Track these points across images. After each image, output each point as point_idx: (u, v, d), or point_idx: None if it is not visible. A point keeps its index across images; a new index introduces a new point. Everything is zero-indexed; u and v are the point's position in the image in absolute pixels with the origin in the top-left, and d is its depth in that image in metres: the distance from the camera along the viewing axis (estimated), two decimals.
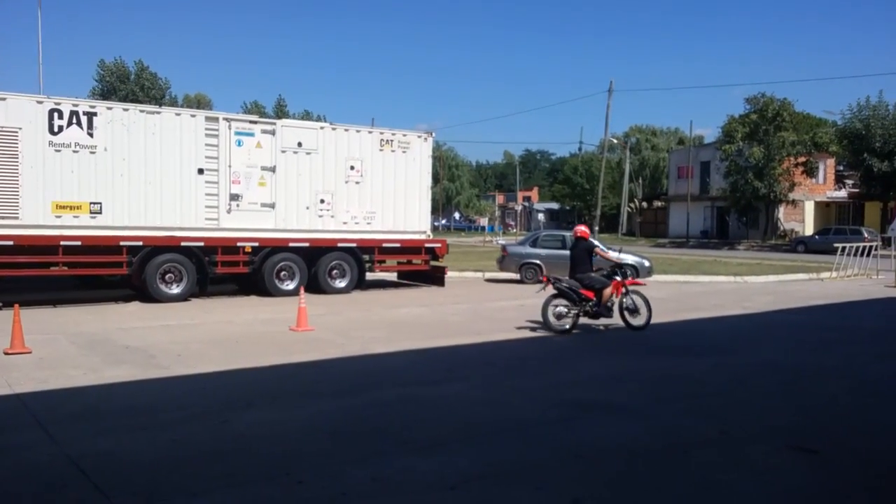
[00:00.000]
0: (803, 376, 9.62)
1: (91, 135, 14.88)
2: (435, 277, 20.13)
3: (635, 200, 74.86)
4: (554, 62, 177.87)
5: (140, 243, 15.48)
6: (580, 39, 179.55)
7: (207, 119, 16.41)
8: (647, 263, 22.15)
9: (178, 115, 16.27)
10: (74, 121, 14.72)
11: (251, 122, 17.22)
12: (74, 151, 14.73)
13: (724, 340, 12.48)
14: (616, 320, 13.10)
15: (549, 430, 6.97)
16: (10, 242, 14.22)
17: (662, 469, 5.96)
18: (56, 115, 14.57)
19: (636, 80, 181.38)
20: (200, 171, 16.07)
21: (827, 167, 55.12)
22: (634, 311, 13.03)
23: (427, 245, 19.43)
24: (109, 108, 15.40)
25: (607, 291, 12.77)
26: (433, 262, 19.84)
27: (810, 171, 49.89)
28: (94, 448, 6.13)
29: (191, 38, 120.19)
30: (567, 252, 21.43)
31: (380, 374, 9.47)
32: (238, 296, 17.50)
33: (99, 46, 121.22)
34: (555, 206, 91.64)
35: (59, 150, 14.60)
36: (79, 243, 14.81)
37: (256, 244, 16.83)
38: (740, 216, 53.21)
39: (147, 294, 15.79)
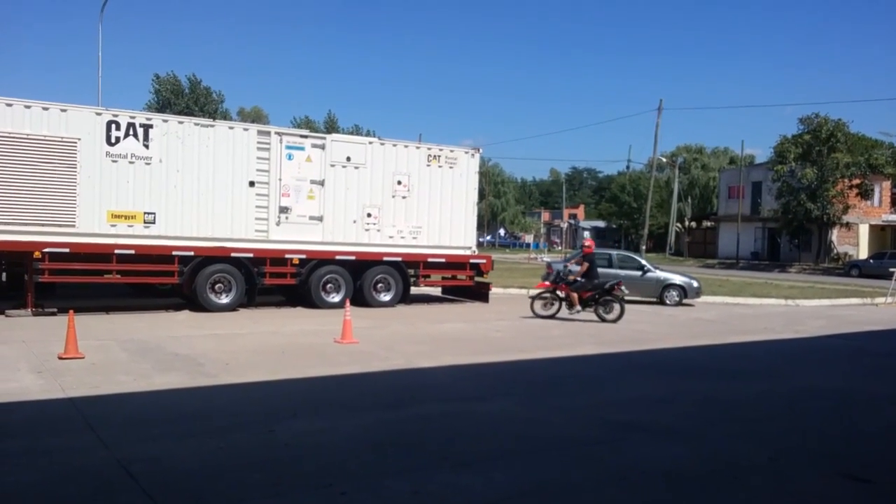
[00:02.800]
0: (855, 403, 9.37)
1: (147, 146, 15.29)
2: (479, 293, 20.13)
3: (684, 220, 73.86)
4: (602, 80, 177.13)
5: (191, 253, 15.80)
6: (629, 58, 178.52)
7: (260, 133, 16.74)
8: (695, 284, 21.84)
9: (231, 128, 16.64)
10: (131, 132, 15.15)
11: (302, 136, 17.52)
12: (130, 162, 15.15)
13: (774, 364, 12.22)
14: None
15: (593, 450, 6.90)
16: (67, 250, 14.64)
17: (709, 494, 5.85)
18: (114, 126, 15.01)
19: (686, 99, 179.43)
20: (251, 184, 16.38)
21: (883, 189, 53.64)
22: (607, 312, 16.45)
23: (472, 261, 19.45)
24: (165, 121, 15.81)
25: (574, 295, 16.30)
26: (478, 278, 19.86)
27: (865, 194, 48.58)
28: (143, 453, 6.27)
29: (246, 52, 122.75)
30: (613, 271, 21.43)
31: (423, 388, 9.50)
32: (285, 307, 17.73)
33: (156, 59, 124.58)
34: (601, 224, 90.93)
35: (115, 161, 15.03)
36: (132, 252, 15.19)
37: (304, 256, 17.06)
38: (792, 238, 52.02)
39: (197, 303, 16.11)
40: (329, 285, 17.54)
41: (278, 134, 16.88)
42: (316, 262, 17.22)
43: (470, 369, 10.92)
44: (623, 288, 17.09)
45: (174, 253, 15.64)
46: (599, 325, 16.03)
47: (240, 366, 10.34)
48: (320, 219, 17.23)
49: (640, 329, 15.88)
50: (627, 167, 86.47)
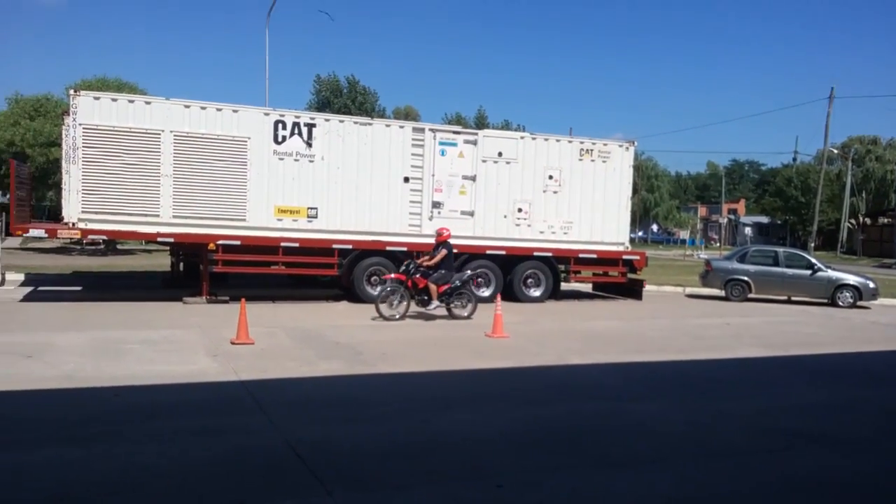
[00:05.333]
0: None
1: (310, 144, 16.05)
2: (632, 290, 19.62)
3: (857, 216, 68.44)
4: (766, 69, 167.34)
5: (350, 247, 16.44)
6: (795, 46, 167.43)
7: (414, 130, 17.14)
8: (871, 285, 20.22)
9: (388, 126, 17.14)
10: (296, 131, 15.96)
11: (454, 132, 17.75)
12: (295, 160, 15.97)
13: None
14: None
15: (759, 458, 6.53)
16: (238, 242, 15.65)
17: None
18: (280, 126, 15.87)
19: (858, 87, 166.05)
20: (406, 180, 16.82)
21: None
22: (461, 307, 14.59)
23: (625, 257, 18.98)
24: (327, 120, 16.53)
25: (433, 287, 14.18)
26: (630, 275, 19.34)
27: None
28: (309, 435, 6.58)
29: (399, 51, 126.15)
30: (780, 269, 20.22)
31: (575, 385, 9.38)
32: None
33: (316, 60, 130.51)
34: (764, 219, 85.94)
35: (282, 159, 15.89)
36: (297, 245, 16.01)
37: (456, 251, 17.27)
38: None
39: (354, 294, 16.74)
40: (479, 279, 17.68)
41: (432, 131, 17.21)
42: (467, 257, 17.42)
43: (623, 368, 10.66)
44: (480, 280, 16.32)
45: (334, 246, 16.33)
46: (763, 326, 15.18)
47: (395, 356, 10.64)
48: (471, 214, 17.41)
49: (811, 332, 14.89)
50: (794, 159, 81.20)
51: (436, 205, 17.10)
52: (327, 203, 16.26)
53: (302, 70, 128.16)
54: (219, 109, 15.50)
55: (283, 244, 15.91)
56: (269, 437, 6.54)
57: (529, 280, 18.16)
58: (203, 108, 15.38)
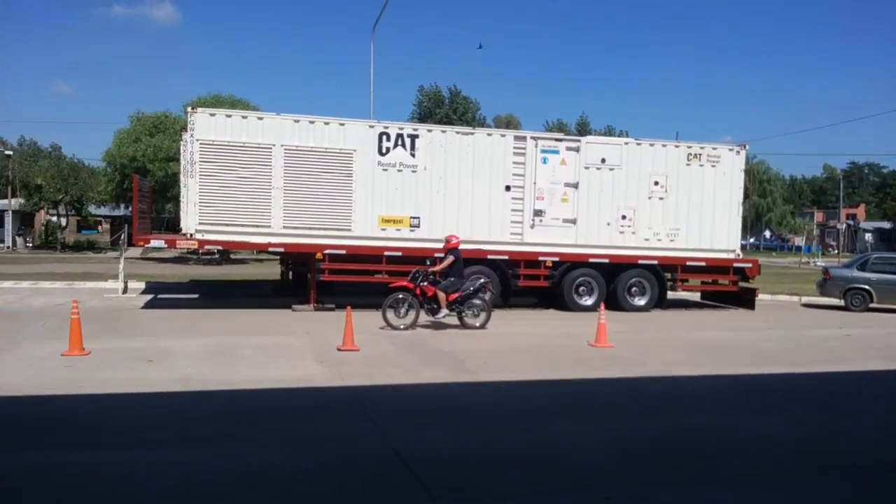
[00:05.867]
0: None
1: (413, 155, 16.32)
2: (744, 300, 18.90)
3: None
4: (884, 66, 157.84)
5: None
6: None
7: (516, 138, 17.14)
8: None
9: (489, 135, 17.24)
10: (400, 142, 16.27)
11: (556, 139, 17.63)
12: (398, 170, 16.27)
13: None
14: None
15: (880, 478, 6.13)
16: (344, 252, 16.06)
17: None
18: (384, 137, 16.21)
19: None
20: (507, 188, 16.84)
21: None
22: (474, 316, 13.91)
23: (736, 265, 18.31)
24: (430, 131, 16.75)
25: (442, 296, 13.58)
26: (742, 283, 18.64)
27: None
28: (413, 442, 6.66)
29: (501, 60, 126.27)
30: None
31: (683, 397, 9.10)
32: (537, 308, 17.95)
33: (419, 71, 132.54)
34: (886, 225, 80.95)
35: (385, 170, 16.22)
36: (399, 254, 16.29)
37: (557, 259, 17.17)
38: None
39: None
40: (582, 288, 17.48)
41: (533, 138, 17.16)
42: (569, 265, 17.26)
43: (735, 380, 10.26)
44: (492, 290, 15.06)
45: (436, 255, 16.47)
46: (887, 337, 14.30)
47: (497, 364, 10.64)
48: (574, 221, 17.23)
49: None
50: None
51: (537, 213, 17.02)
52: (429, 212, 16.47)
53: (404, 81, 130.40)
54: (326, 123, 15.98)
55: (386, 253, 16.22)
56: (375, 443, 6.66)
57: (634, 288, 17.79)
58: (311, 123, 15.90)
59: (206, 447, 6.41)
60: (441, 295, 13.69)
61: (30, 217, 50.39)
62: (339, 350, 11.17)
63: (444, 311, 13.71)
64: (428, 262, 14.59)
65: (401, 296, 13.77)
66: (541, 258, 17.11)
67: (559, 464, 6.20)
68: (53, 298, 17.57)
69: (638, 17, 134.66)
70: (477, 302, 14.07)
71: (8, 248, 42.68)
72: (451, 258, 13.98)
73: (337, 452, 6.39)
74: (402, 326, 13.57)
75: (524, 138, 17.15)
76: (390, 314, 13.65)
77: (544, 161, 17.02)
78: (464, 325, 13.90)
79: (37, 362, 9.81)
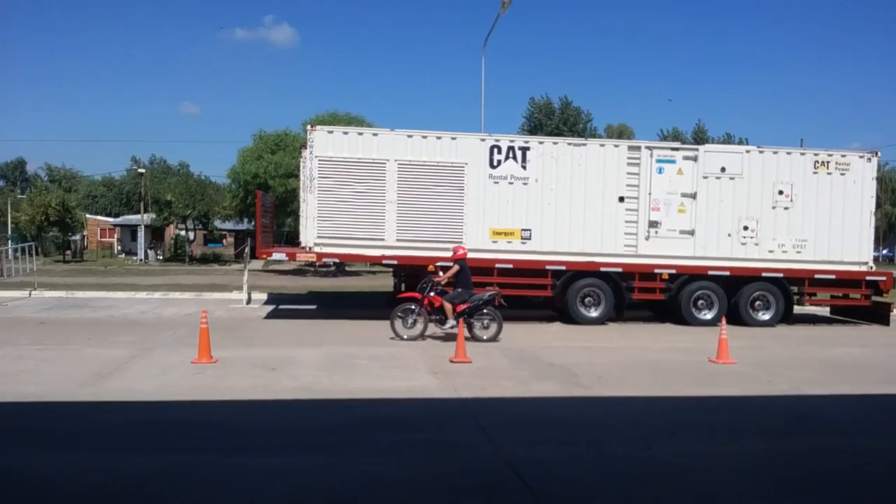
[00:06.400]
0: None
1: (524, 167, 16.29)
2: (877, 315, 17.74)
3: None
4: None
5: (563, 268, 16.42)
6: None
7: (630, 148, 16.81)
8: None
9: (602, 145, 16.97)
10: (511, 155, 16.28)
11: (672, 148, 17.15)
12: (510, 183, 16.27)
13: None
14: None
15: None
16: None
17: None
18: (495, 150, 16.27)
19: None
20: (621, 199, 16.52)
21: None
22: (483, 328, 13.59)
23: (868, 278, 17.22)
24: (541, 143, 16.68)
25: (448, 306, 13.40)
26: (875, 298, 17.50)
27: None
28: (527, 455, 6.61)
29: (611, 70, 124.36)
30: None
31: (812, 417, 8.60)
32: (653, 322, 17.47)
33: (528, 82, 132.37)
34: None
35: (496, 182, 16.26)
36: (510, 266, 16.26)
37: (674, 271, 16.67)
38: None
39: (567, 315, 16.66)
40: (700, 301, 16.90)
41: (648, 148, 16.77)
42: (686, 278, 16.73)
43: (869, 401, 9.62)
44: (502, 301, 14.00)
45: (547, 267, 16.39)
46: None
47: (612, 379, 10.42)
48: (691, 232, 16.69)
49: None
50: None
51: (652, 224, 16.60)
52: (541, 224, 16.37)
53: (513, 94, 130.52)
54: (438, 137, 16.21)
55: (497, 265, 16.23)
56: (489, 455, 6.65)
57: (757, 302, 17.03)
58: (424, 137, 16.17)
59: (327, 454, 6.58)
60: (448, 306, 13.47)
61: (160, 231, 53.61)
62: (451, 362, 11.24)
63: (451, 321, 13.37)
64: (433, 272, 14.58)
65: (409, 307, 13.73)
66: (656, 270, 16.67)
67: (679, 484, 5.99)
68: (182, 308, 18.58)
69: (754, 24, 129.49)
70: (487, 313, 13.68)
71: (141, 260, 45.51)
72: (455, 268, 13.70)
73: (451, 463, 6.42)
74: (407, 337, 13.54)
75: (638, 148, 16.79)
76: (398, 324, 13.64)
77: (660, 171, 16.60)
78: (473, 338, 13.40)
79: (169, 369, 10.39)
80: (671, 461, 6.60)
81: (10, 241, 34.74)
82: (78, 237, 51.84)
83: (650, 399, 9.34)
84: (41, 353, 11.41)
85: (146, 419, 7.80)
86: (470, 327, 13.47)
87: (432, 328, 13.79)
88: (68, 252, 46.92)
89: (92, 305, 19.07)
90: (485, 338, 13.54)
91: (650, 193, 16.56)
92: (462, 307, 13.46)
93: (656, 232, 16.63)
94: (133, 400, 8.59)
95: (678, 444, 7.22)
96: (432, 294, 13.69)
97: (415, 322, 13.68)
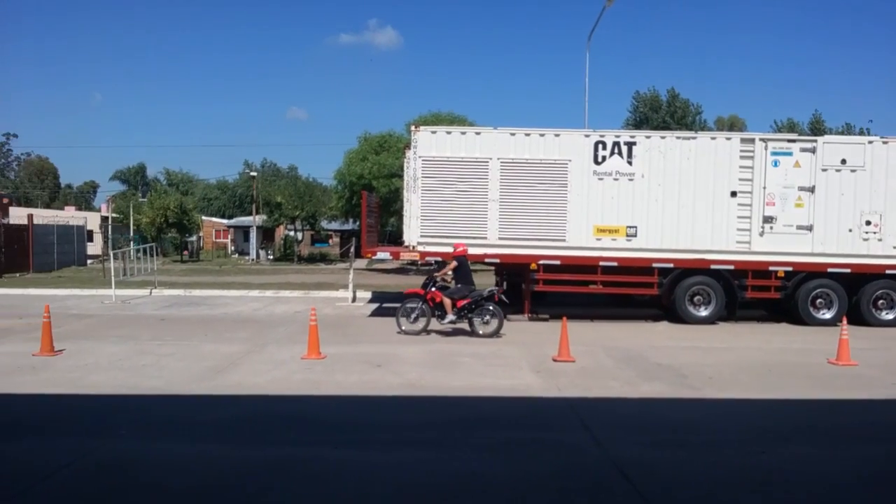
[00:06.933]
0: None
1: (630, 163, 15.92)
2: None
3: None
4: None
5: (670, 265, 15.97)
6: None
7: (742, 141, 16.13)
8: None
9: (713, 138, 16.35)
10: (616, 151, 15.96)
11: (789, 140, 16.35)
12: (615, 179, 15.95)
13: None
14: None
15: None
16: (558, 262, 16.03)
17: None
18: (600, 146, 15.98)
19: None
20: (733, 194, 15.89)
21: None
22: (484, 323, 13.71)
23: None
24: (648, 137, 16.26)
25: (447, 302, 13.68)
26: None
27: None
28: (635, 457, 6.47)
29: (722, 61, 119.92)
30: None
31: None
32: (766, 322, 16.74)
33: (633, 76, 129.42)
34: None
35: (601, 179, 15.97)
36: (615, 264, 15.95)
37: (790, 268, 15.92)
38: None
39: (675, 314, 16.19)
40: (819, 300, 16.06)
41: (762, 140, 16.06)
42: (804, 275, 15.94)
43: None
44: (503, 297, 14.07)
45: (654, 265, 15.97)
46: None
47: (724, 380, 10.06)
48: (809, 228, 15.88)
49: None
50: None
51: (767, 219, 15.90)
52: (647, 221, 15.97)
53: (616, 88, 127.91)
54: (541, 135, 16.07)
55: (601, 263, 15.95)
56: (594, 456, 6.55)
57: (881, 301, 16.04)
58: (527, 135, 16.07)
59: (431, 451, 6.66)
60: (447, 301, 13.74)
61: (270, 232, 55.63)
62: (554, 360, 11.14)
63: (451, 316, 13.73)
64: (434, 266, 14.74)
65: (413, 303, 14.07)
66: (771, 268, 15.95)
67: (795, 491, 5.72)
68: (292, 306, 19.21)
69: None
70: (490, 308, 13.82)
71: (252, 260, 47.33)
72: (454, 264, 14.03)
73: (556, 463, 6.36)
74: (409, 331, 13.83)
75: (752, 140, 16.10)
76: (403, 320, 14.02)
77: (775, 164, 15.88)
78: (473, 333, 13.73)
79: (281, 364, 10.77)
80: (785, 467, 6.31)
81: (132, 243, 36.86)
82: (194, 238, 54.49)
83: (764, 402, 8.96)
84: (162, 349, 12.05)
85: (259, 412, 8.11)
86: (471, 323, 13.83)
87: (436, 324, 14.05)
88: (185, 252, 49.35)
89: (208, 303, 20.00)
90: (486, 332, 13.72)
91: (764, 187, 15.86)
92: (462, 303, 13.78)
93: (771, 227, 15.92)
94: (247, 394, 8.96)
95: (794, 449, 6.89)
96: (433, 289, 14.03)
97: (417, 317, 14.01)
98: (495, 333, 13.72)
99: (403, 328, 14.00)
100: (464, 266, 14.10)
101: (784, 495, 5.63)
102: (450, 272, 14.21)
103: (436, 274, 14.56)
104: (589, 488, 5.69)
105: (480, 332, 13.75)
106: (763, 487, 5.79)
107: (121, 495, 5.56)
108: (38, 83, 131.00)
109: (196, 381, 9.63)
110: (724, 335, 14.64)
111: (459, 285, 14.02)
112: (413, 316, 14.07)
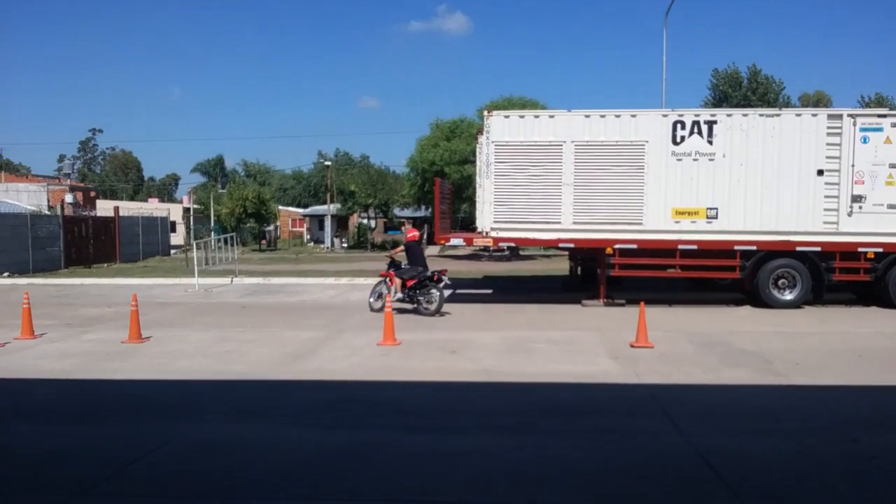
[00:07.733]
0: None
1: (710, 142, 15.42)
2: None
3: None
4: None
5: (753, 248, 15.44)
6: None
7: (829, 117, 15.41)
8: None
9: (798, 115, 15.66)
10: (695, 130, 15.48)
11: (879, 115, 15.54)
12: (694, 160, 15.49)
13: None
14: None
15: None
16: (634, 246, 15.70)
17: None
18: (679, 126, 15.53)
19: None
20: (820, 173, 15.23)
21: None
22: (428, 302, 14.70)
23: None
24: (729, 115, 15.71)
25: (397, 282, 14.88)
26: None
27: None
28: (719, 445, 6.29)
29: (805, 34, 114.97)
30: None
31: None
32: (855, 306, 16.03)
33: (711, 53, 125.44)
34: None
35: (679, 160, 15.53)
36: (694, 247, 15.53)
37: (880, 249, 15.19)
38: None
39: (758, 299, 15.68)
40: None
41: (851, 116, 15.32)
42: (894, 257, 15.19)
43: None
44: (446, 278, 14.86)
45: (736, 248, 15.48)
46: None
47: (811, 366, 9.69)
48: None
49: None
50: None
51: (856, 199, 15.19)
52: (728, 202, 15.46)
53: (694, 65, 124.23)
54: (617, 116, 15.72)
55: (680, 247, 15.55)
56: (676, 444, 6.40)
57: None
58: (602, 117, 15.75)
59: (508, 436, 6.63)
60: (397, 281, 14.90)
61: (344, 220, 56.49)
62: (632, 346, 10.94)
63: (399, 294, 14.78)
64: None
65: (380, 285, 15.49)
66: (860, 249, 15.25)
67: (891, 480, 5.45)
68: (367, 293, 19.29)
69: None
70: (433, 291, 14.72)
71: (327, 248, 48.18)
72: (401, 248, 15.92)
73: (636, 451, 6.25)
74: (374, 308, 15.05)
75: (839, 116, 15.37)
76: (371, 298, 15.47)
77: (864, 140, 15.13)
78: (418, 311, 14.72)
79: (358, 350, 10.92)
80: (879, 455, 6.03)
81: (213, 233, 37.99)
82: (272, 227, 55.83)
83: (854, 388, 8.59)
84: (244, 335, 12.39)
85: (338, 397, 8.24)
86: (417, 301, 14.81)
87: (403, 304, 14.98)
88: (263, 241, 50.61)
89: (286, 291, 20.45)
90: (430, 310, 14.61)
91: (853, 165, 15.15)
92: (411, 283, 14.81)
93: (860, 207, 15.21)
94: (326, 379, 9.12)
95: (888, 436, 6.59)
96: (391, 271, 15.23)
97: (380, 295, 15.04)
98: (437, 312, 14.62)
99: (372, 307, 15.26)
100: (413, 249, 15.48)
101: (877, 483, 5.38)
102: (395, 254, 16.14)
103: (386, 254, 16.61)
104: (671, 478, 5.56)
105: (429, 309, 14.64)
106: (855, 476, 5.55)
107: (207, 477, 5.73)
108: (121, 80, 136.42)
109: (277, 366, 9.85)
110: (810, 320, 14.10)
111: (408, 266, 15.24)
112: (375, 296, 15.39)
